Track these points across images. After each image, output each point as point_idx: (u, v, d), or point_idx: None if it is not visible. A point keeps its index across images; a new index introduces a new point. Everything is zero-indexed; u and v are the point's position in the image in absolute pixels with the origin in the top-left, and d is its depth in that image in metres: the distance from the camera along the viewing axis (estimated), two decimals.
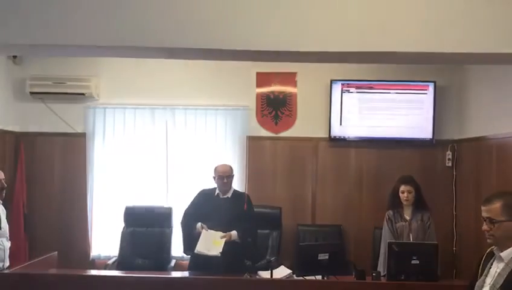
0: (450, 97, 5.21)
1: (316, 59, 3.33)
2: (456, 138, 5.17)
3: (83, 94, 5.21)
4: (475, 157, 4.81)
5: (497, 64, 3.87)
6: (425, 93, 5.13)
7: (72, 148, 5.32)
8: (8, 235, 3.90)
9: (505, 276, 2.20)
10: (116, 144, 5.32)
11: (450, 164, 5.17)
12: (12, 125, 5.23)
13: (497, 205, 2.26)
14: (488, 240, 2.32)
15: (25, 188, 5.16)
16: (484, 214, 2.30)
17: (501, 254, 2.26)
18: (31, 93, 5.21)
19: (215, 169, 4.18)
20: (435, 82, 5.13)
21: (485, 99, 4.70)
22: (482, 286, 2.30)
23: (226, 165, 4.27)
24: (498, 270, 2.25)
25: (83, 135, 5.31)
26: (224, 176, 4.09)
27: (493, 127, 4.45)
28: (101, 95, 5.34)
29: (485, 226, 2.30)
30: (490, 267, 2.32)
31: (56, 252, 4.16)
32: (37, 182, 5.29)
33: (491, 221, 2.26)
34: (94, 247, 5.29)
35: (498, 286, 2.20)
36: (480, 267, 2.38)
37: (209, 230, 3.93)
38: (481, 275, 2.35)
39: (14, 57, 5.19)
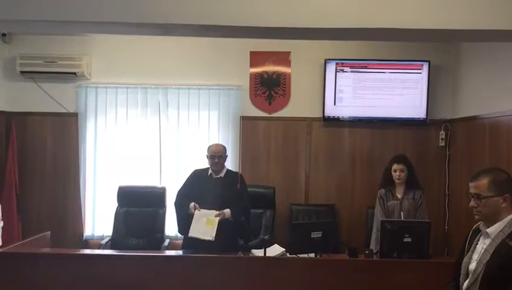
0: (444, 77, 5.20)
1: (312, 36, 3.29)
2: (449, 117, 5.17)
3: (74, 73, 5.14)
4: (468, 137, 4.82)
5: (496, 42, 3.85)
6: (420, 73, 5.11)
7: (64, 128, 5.28)
8: (0, 215, 3.89)
9: (491, 252, 2.21)
10: (108, 123, 5.27)
11: (443, 144, 5.18)
12: (3, 105, 5.18)
13: (484, 181, 2.26)
14: (476, 216, 2.32)
15: (16, 169, 5.11)
16: (472, 190, 2.30)
17: (487, 230, 2.27)
18: (22, 72, 5.14)
19: (208, 148, 4.18)
20: (429, 61, 5.10)
21: (478, 79, 4.69)
22: (469, 263, 2.31)
23: (219, 144, 4.28)
24: (484, 247, 2.26)
25: (74, 115, 5.26)
26: (215, 155, 4.08)
27: (486, 106, 4.45)
28: (93, 75, 5.27)
29: (472, 203, 2.30)
30: (477, 244, 2.33)
31: (49, 232, 4.16)
32: (29, 162, 5.25)
33: (478, 197, 2.26)
34: (87, 227, 5.28)
35: (484, 261, 2.21)
36: (467, 243, 2.40)
37: (202, 210, 3.94)
38: (468, 251, 2.36)
39: (4, 35, 5.11)
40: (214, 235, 3.81)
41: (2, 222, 3.90)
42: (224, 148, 4.23)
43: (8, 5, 2.92)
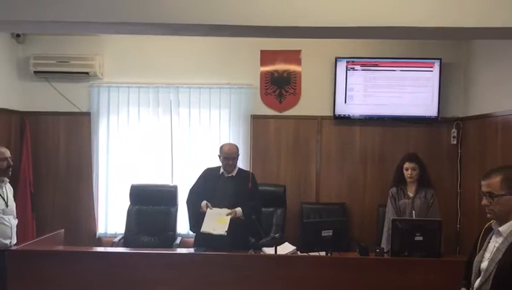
0: (456, 74, 5.16)
1: (322, 34, 3.30)
2: (461, 115, 5.14)
3: (86, 73, 5.20)
4: (480, 135, 4.79)
5: (508, 40, 3.81)
6: (431, 71, 5.08)
7: (77, 127, 5.34)
8: (15, 213, 3.95)
9: (504, 250, 2.21)
10: (120, 122, 5.33)
11: (455, 142, 5.15)
12: (17, 105, 5.25)
13: (496, 179, 2.26)
14: (488, 215, 2.32)
15: (31, 168, 5.19)
16: (484, 189, 2.31)
17: (499, 228, 2.27)
18: (35, 72, 5.21)
19: (221, 148, 4.18)
20: (440, 59, 5.07)
21: (490, 77, 4.66)
22: (481, 261, 2.31)
23: (232, 145, 4.25)
24: (496, 245, 2.26)
25: (87, 114, 5.32)
26: (230, 157, 4.09)
27: (498, 104, 4.41)
28: (105, 74, 5.32)
29: (484, 201, 2.31)
30: (489, 242, 2.33)
31: (63, 230, 4.22)
32: (43, 161, 5.33)
33: (490, 195, 2.27)
34: (100, 225, 5.34)
35: (496, 260, 2.22)
36: (479, 242, 2.40)
37: (214, 208, 3.97)
38: (480, 249, 2.36)
39: (18, 35, 5.18)
40: (226, 229, 3.83)
41: (16, 220, 3.95)
42: (237, 148, 4.24)
43: (22, 6, 2.97)
